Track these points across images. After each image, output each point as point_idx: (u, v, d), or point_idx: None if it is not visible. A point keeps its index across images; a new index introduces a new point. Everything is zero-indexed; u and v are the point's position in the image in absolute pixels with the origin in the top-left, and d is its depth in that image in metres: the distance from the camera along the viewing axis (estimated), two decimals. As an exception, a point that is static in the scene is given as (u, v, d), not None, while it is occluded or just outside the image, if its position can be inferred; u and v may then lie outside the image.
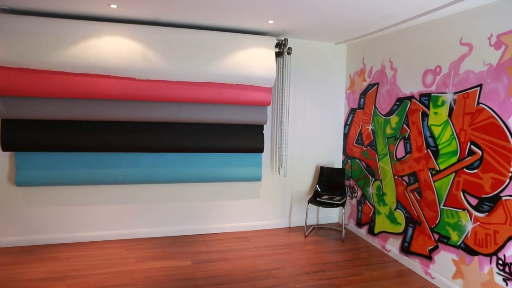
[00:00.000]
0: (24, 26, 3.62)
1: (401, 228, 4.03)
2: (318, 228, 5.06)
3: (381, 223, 4.36)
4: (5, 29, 3.57)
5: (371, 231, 4.56)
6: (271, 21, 3.90)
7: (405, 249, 3.96)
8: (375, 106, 4.44)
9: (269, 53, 4.26)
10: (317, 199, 4.76)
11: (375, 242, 4.47)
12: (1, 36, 3.55)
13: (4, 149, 3.87)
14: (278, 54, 4.47)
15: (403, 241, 3.99)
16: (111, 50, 3.81)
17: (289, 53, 4.47)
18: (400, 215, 4.04)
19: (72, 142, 4.03)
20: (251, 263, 3.94)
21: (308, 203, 4.73)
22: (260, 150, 4.60)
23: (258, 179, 4.71)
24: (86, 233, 4.37)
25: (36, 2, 3.42)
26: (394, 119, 4.11)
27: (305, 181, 5.10)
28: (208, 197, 4.75)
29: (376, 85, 4.42)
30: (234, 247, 4.36)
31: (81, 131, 4.06)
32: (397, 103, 4.05)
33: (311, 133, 5.04)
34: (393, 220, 4.15)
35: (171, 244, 4.38)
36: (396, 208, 4.09)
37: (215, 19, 3.89)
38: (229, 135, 4.49)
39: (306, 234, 4.81)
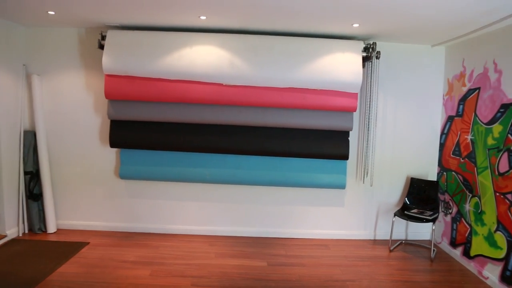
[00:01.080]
0: (129, 39, 4.13)
1: (502, 254, 3.52)
2: (406, 244, 4.69)
3: (479, 245, 3.86)
4: (114, 42, 4.12)
5: (466, 253, 4.06)
6: (356, 25, 3.78)
7: (507, 279, 3.44)
8: (475, 114, 3.97)
9: (356, 58, 4.13)
10: (405, 212, 4.42)
11: (470, 266, 3.97)
12: (111, 49, 4.10)
13: (112, 146, 4.44)
14: (366, 59, 4.30)
15: (504, 269, 3.48)
16: (201, 58, 4.10)
17: (377, 57, 4.26)
18: (501, 238, 3.53)
19: (168, 142, 4.43)
20: (327, 272, 3.84)
21: (394, 216, 4.42)
22: (345, 157, 4.46)
23: (342, 186, 4.57)
24: (176, 226, 4.77)
25: (140, 18, 3.89)
26: (497, 128, 3.62)
27: (393, 192, 4.78)
28: (291, 201, 4.77)
29: (477, 90, 3.95)
30: (312, 253, 4.30)
31: (175, 132, 4.43)
32: (501, 110, 3.56)
33: (402, 142, 4.71)
34: (493, 243, 3.64)
35: (251, 244, 4.51)
36: (497, 229, 3.58)
37: (299, 25, 3.93)
38: (314, 140, 4.46)
39: (391, 248, 4.50)
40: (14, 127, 4.37)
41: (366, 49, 4.25)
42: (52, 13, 3.78)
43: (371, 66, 4.46)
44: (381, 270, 3.92)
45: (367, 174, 4.65)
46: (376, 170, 4.70)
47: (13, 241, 4.30)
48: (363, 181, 4.71)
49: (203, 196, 4.75)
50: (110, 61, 4.10)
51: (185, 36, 4.14)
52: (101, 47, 4.19)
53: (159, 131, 4.44)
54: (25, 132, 4.45)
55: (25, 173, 4.44)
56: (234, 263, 3.98)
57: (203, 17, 3.77)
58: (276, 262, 4.05)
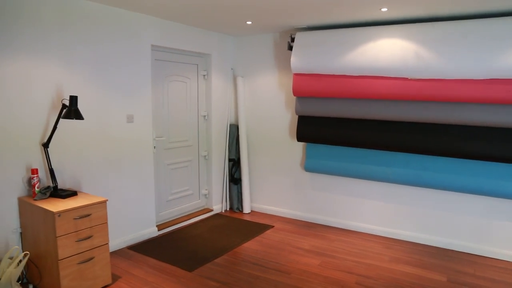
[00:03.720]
0: (314, 38, 4.36)
1: None
2: None
3: None
4: (301, 43, 4.42)
5: None
6: None
7: None
8: None
9: None
10: None
11: None
12: (298, 49, 4.43)
13: (298, 140, 4.79)
14: None
15: None
16: (384, 51, 3.95)
17: None
18: None
19: (350, 138, 4.45)
20: (527, 306, 3.12)
21: None
22: None
23: None
24: (354, 222, 4.76)
25: (324, 18, 4.06)
26: None
27: None
28: (489, 213, 4.02)
29: None
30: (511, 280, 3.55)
31: (358, 129, 4.40)
32: None
33: None
34: None
35: (432, 255, 4.07)
36: None
37: (502, 3, 3.28)
38: (521, 143, 3.64)
39: None
40: (222, 121, 5.31)
41: None
42: (250, 22, 4.38)
43: None
44: None
45: None
46: None
47: (217, 215, 5.25)
48: None
49: (385, 196, 4.57)
50: (297, 60, 4.44)
51: (367, 30, 4.07)
52: (290, 48, 4.58)
53: (342, 127, 4.50)
54: (230, 125, 5.33)
55: (229, 160, 5.33)
56: (408, 271, 3.69)
57: (384, 9, 3.63)
58: (459, 279, 3.53)
